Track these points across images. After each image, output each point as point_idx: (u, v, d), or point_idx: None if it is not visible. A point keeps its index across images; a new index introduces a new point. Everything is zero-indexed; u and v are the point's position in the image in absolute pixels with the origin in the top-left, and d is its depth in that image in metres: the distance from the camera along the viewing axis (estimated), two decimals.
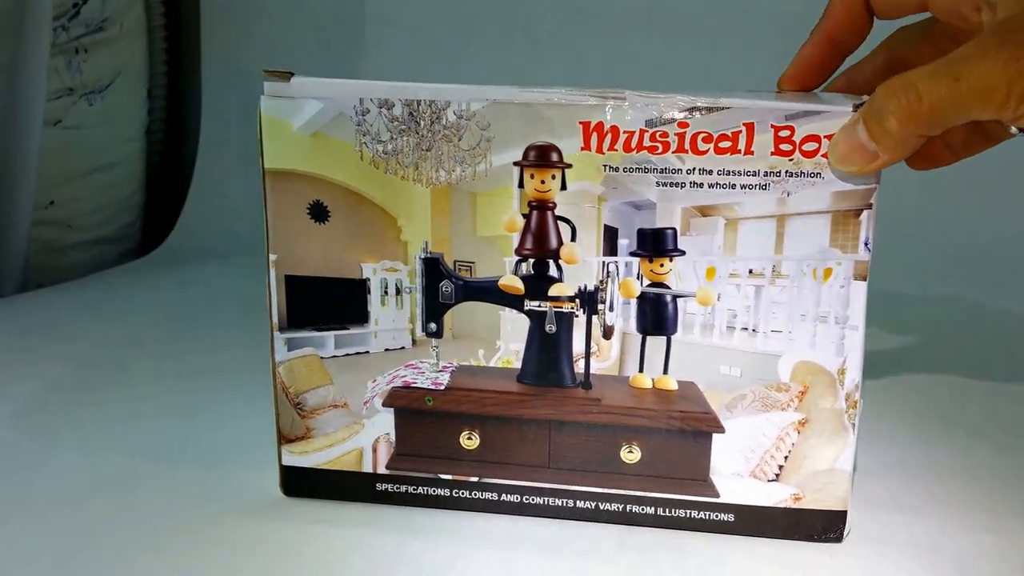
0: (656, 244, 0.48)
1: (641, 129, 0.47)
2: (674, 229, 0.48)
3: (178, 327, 0.90)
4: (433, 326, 0.51)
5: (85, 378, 0.74)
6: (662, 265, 0.49)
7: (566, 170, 0.48)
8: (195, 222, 1.32)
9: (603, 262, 0.49)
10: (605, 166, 0.48)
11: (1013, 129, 0.45)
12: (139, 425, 0.65)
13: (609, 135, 0.47)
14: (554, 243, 0.49)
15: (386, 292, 0.51)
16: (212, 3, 1.35)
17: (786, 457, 0.49)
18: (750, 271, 0.48)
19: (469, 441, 0.52)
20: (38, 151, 1.08)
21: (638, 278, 0.49)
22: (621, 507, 0.51)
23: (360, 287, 0.51)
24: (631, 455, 0.50)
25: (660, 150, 0.47)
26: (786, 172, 0.46)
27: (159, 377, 0.75)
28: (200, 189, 1.35)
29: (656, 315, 0.49)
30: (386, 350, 0.52)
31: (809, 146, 0.46)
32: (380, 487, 0.53)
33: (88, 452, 0.61)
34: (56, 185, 1.14)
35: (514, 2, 1.27)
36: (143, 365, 0.78)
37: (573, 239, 0.49)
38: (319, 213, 0.51)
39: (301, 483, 0.54)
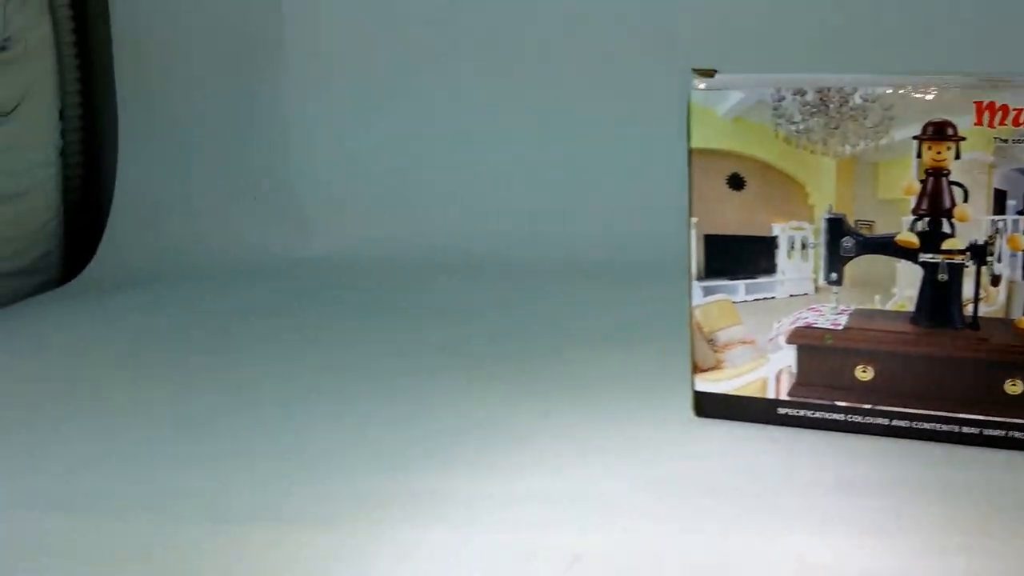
0: None
1: None
2: None
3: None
4: (834, 275, 0.61)
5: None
6: None
7: (960, 142, 0.56)
8: (117, 249, 1.27)
9: (992, 220, 0.57)
10: (996, 138, 0.55)
11: None
12: None
13: (1000, 112, 0.55)
14: (947, 204, 0.57)
15: (792, 247, 0.61)
16: (122, 16, 1.32)
17: None
18: None
19: (864, 373, 0.62)
20: None
21: None
22: (1004, 433, 0.59)
23: (770, 243, 0.62)
24: (1015, 388, 0.58)
25: None
26: None
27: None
28: (121, 214, 1.30)
29: None
30: (790, 296, 0.62)
31: None
32: (781, 411, 0.64)
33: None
34: None
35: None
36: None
37: (965, 200, 0.57)
38: (736, 183, 0.61)
39: (711, 406, 0.66)
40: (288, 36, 1.32)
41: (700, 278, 0.64)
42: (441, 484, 0.59)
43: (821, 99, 0.58)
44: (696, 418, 0.66)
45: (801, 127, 0.59)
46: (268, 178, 1.35)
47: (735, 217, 0.62)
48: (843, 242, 0.60)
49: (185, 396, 0.76)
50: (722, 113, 0.60)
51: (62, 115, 1.26)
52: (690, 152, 0.62)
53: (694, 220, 0.63)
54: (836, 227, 0.60)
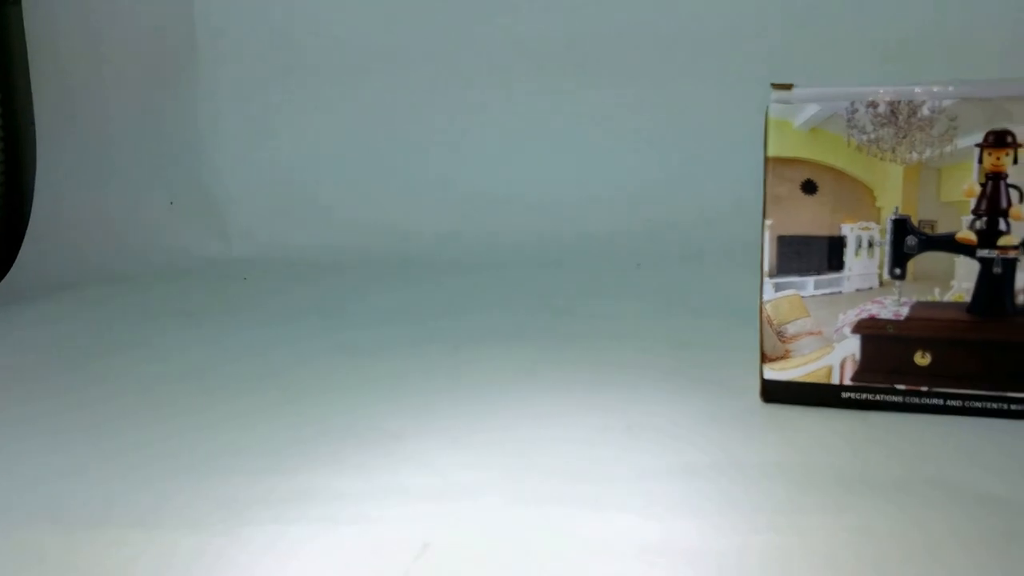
0: None
1: None
2: None
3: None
4: (898, 271, 0.67)
5: None
6: None
7: (1019, 149, 0.63)
8: (38, 256, 1.32)
9: None
10: None
11: None
12: None
13: None
14: (1004, 204, 0.64)
15: (860, 246, 0.67)
16: (38, 26, 1.36)
17: None
18: None
19: (922, 359, 0.68)
20: None
21: None
22: None
23: (838, 243, 0.68)
24: None
25: None
26: None
27: None
28: (40, 221, 1.35)
29: None
30: (856, 290, 0.68)
31: None
32: (844, 395, 0.70)
33: None
34: None
35: None
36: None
37: (1021, 201, 0.64)
38: (809, 188, 0.67)
39: (778, 392, 0.71)
40: (200, 42, 1.36)
41: (772, 275, 0.69)
42: (314, 483, 0.60)
43: (892, 111, 0.64)
44: (764, 404, 0.72)
45: (872, 136, 0.65)
46: (185, 183, 1.38)
47: (807, 219, 0.68)
48: (907, 240, 0.67)
49: (81, 401, 0.78)
50: (798, 124, 0.66)
51: None
52: (766, 160, 0.67)
53: (768, 222, 0.68)
54: (901, 227, 0.66)
